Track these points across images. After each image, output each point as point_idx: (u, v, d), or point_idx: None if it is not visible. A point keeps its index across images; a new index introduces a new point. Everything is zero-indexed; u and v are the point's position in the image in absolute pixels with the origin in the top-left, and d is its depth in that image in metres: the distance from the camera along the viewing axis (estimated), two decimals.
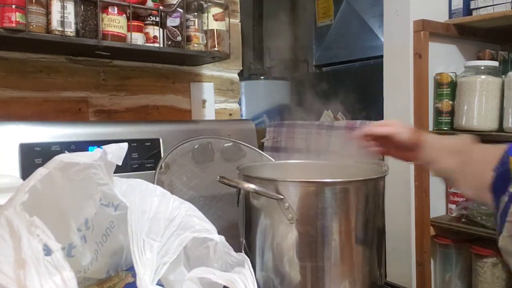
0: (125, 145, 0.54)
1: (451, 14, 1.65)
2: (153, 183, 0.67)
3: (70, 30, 0.91)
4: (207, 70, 1.32)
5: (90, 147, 0.94)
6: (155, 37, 1.03)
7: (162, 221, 0.53)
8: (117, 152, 0.53)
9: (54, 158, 0.50)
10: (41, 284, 0.41)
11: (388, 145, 0.82)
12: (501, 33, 1.72)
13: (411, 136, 0.80)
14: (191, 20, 1.09)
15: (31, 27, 0.86)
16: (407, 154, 0.83)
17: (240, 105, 1.42)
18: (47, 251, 0.44)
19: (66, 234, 0.54)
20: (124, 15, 0.97)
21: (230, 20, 1.19)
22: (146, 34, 1.03)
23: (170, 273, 0.57)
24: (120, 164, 0.54)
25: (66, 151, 0.89)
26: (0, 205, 0.51)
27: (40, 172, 0.50)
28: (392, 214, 1.59)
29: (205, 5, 1.11)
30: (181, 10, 1.06)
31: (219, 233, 0.60)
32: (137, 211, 0.52)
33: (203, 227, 0.58)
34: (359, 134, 0.82)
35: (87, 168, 0.52)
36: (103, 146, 0.53)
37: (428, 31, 1.55)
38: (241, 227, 0.78)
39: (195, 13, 1.09)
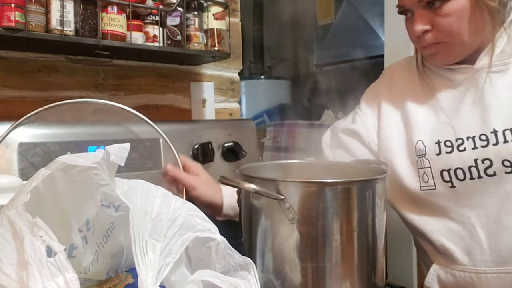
0: (128, 145, 0.54)
1: None
2: None
3: (70, 29, 0.90)
4: (207, 69, 1.31)
5: (89, 147, 0.94)
6: (155, 36, 1.03)
7: (165, 221, 0.53)
8: (120, 153, 0.52)
9: (56, 159, 0.50)
10: (44, 285, 0.41)
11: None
12: None
13: (210, 198, 0.90)
14: (191, 19, 1.09)
15: (30, 26, 0.86)
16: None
17: (240, 105, 1.42)
18: (50, 253, 0.43)
19: (67, 235, 0.54)
20: (124, 14, 0.97)
21: (230, 19, 1.19)
22: (146, 33, 1.03)
23: (171, 273, 0.56)
24: (122, 165, 0.54)
25: (65, 151, 0.88)
26: (2, 206, 0.51)
27: (43, 173, 0.49)
28: (393, 214, 1.59)
29: (205, 4, 1.10)
30: (181, 9, 1.06)
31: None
32: (139, 212, 0.52)
33: (205, 227, 0.58)
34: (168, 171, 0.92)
35: (89, 169, 0.51)
36: (105, 147, 0.53)
37: None
38: (242, 227, 0.78)
39: (195, 12, 1.09)
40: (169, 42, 1.05)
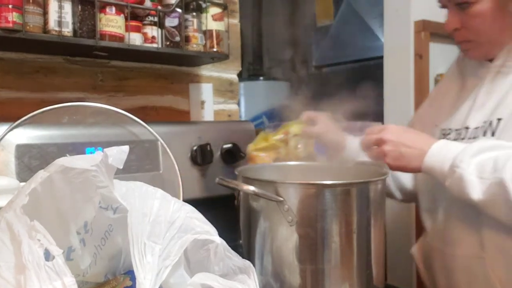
0: (126, 148, 0.53)
1: None
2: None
3: (68, 30, 0.90)
4: (206, 70, 1.31)
5: (87, 149, 0.93)
6: (153, 37, 1.03)
7: (163, 223, 0.52)
8: (118, 155, 0.52)
9: (55, 161, 0.50)
10: None
11: None
12: None
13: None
14: (189, 20, 1.08)
15: (28, 27, 0.85)
16: None
17: (239, 106, 1.41)
18: (48, 256, 0.43)
19: (66, 237, 0.54)
20: (122, 15, 0.97)
21: (229, 20, 1.18)
22: (144, 34, 1.02)
23: (170, 276, 0.56)
24: (121, 167, 0.53)
25: (62, 153, 0.88)
26: (0, 208, 0.51)
27: (41, 175, 0.49)
28: (392, 216, 1.59)
29: (203, 5, 1.10)
30: (180, 10, 1.06)
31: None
32: (138, 214, 0.52)
33: (204, 229, 0.57)
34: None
35: (87, 171, 0.51)
36: (104, 149, 0.52)
37: (429, 31, 1.55)
38: (240, 229, 0.78)
39: (194, 13, 1.09)
40: (168, 43, 1.05)
